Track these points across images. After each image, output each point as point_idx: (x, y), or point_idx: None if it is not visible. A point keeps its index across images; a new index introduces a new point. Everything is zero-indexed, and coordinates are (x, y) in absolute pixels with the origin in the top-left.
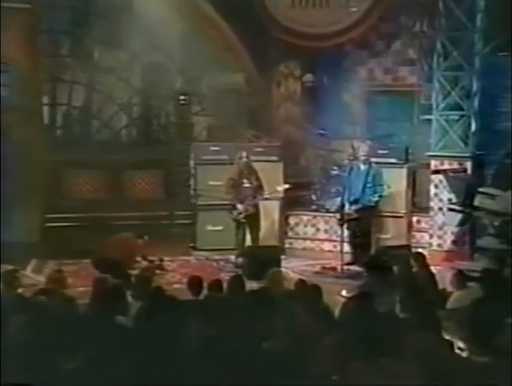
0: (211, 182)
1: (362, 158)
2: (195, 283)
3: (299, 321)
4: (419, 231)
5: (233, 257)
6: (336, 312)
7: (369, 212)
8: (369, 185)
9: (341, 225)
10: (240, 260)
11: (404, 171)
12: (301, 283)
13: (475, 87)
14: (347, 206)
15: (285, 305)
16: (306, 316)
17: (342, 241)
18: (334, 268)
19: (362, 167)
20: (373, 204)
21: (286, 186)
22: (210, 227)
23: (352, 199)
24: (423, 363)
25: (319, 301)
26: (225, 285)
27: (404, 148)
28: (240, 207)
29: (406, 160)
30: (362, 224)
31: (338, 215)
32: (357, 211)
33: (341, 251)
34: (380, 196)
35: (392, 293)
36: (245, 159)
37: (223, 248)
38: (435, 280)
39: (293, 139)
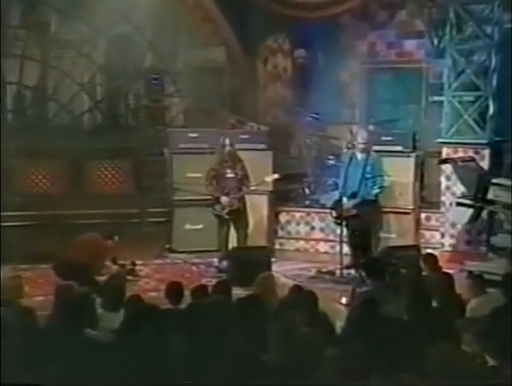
0: (189, 174)
1: (360, 145)
2: (174, 290)
3: (297, 332)
4: (429, 229)
5: (215, 260)
6: (337, 322)
7: (368, 207)
8: (367, 176)
9: (338, 223)
10: (224, 263)
11: (411, 161)
12: (296, 289)
13: (493, 63)
14: (344, 201)
15: (281, 314)
16: (305, 326)
17: (341, 241)
18: (332, 272)
19: (360, 156)
20: (372, 198)
21: (276, 176)
22: (188, 226)
23: (349, 192)
24: (443, 378)
25: (316, 310)
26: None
27: (411, 134)
28: (223, 200)
29: (413, 148)
30: (361, 221)
31: (334, 212)
32: (355, 206)
33: (340, 252)
34: (380, 188)
35: (399, 300)
36: (228, 147)
37: (204, 250)
38: (450, 285)
39: (283, 124)
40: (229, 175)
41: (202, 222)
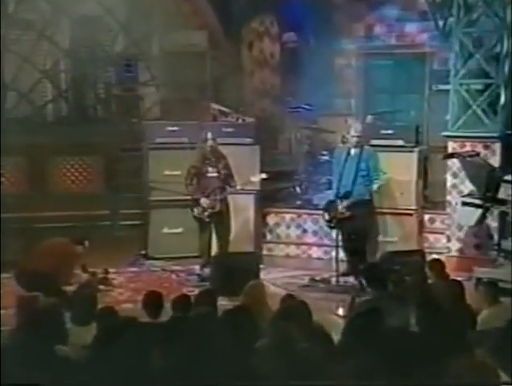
0: (167, 172)
1: (353, 139)
2: (153, 301)
3: (293, 347)
4: (433, 232)
5: (197, 268)
6: (333, 335)
7: (363, 208)
8: (362, 173)
9: (331, 227)
10: (206, 271)
11: (414, 156)
12: (288, 299)
13: (505, 47)
14: (337, 201)
15: (274, 327)
16: (300, 340)
17: (337, 246)
18: (327, 281)
19: (353, 151)
20: (368, 197)
21: (263, 175)
22: (166, 230)
23: (342, 192)
24: None
25: (310, 322)
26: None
27: (413, 127)
28: (204, 202)
29: (416, 142)
30: (356, 224)
31: (326, 214)
32: (348, 207)
33: (336, 258)
34: (376, 185)
35: (403, 311)
36: (210, 142)
37: (184, 256)
38: (460, 293)
39: (271, 116)
40: (210, 174)
41: (181, 225)
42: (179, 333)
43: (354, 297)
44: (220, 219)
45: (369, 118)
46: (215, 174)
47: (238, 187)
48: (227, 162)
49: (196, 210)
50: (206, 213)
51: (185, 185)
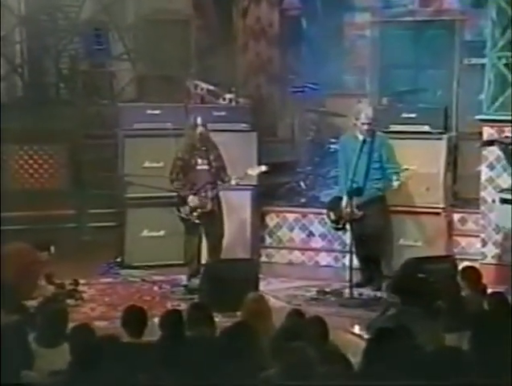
0: (146, 164)
1: (364, 126)
2: (135, 318)
3: (311, 371)
4: (465, 235)
5: (183, 277)
6: (351, 357)
7: (377, 206)
8: (375, 166)
9: (338, 228)
10: (195, 281)
11: (442, 144)
12: (295, 315)
13: None
14: (345, 198)
15: (285, 349)
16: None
17: (351, 251)
18: (338, 293)
19: (364, 140)
20: (381, 193)
21: (263, 168)
22: (146, 233)
23: (353, 188)
24: None
25: (326, 342)
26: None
27: (441, 109)
28: (192, 201)
29: (444, 128)
30: (370, 225)
31: (332, 214)
32: (360, 206)
33: (350, 266)
34: (397, 183)
35: (436, 328)
36: (200, 129)
37: (167, 264)
38: (501, 308)
39: (269, 97)
40: (200, 167)
41: (164, 227)
42: (172, 355)
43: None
44: (212, 219)
45: (387, 99)
46: (205, 167)
47: (233, 182)
48: (219, 152)
49: (182, 209)
50: (195, 213)
51: (170, 180)
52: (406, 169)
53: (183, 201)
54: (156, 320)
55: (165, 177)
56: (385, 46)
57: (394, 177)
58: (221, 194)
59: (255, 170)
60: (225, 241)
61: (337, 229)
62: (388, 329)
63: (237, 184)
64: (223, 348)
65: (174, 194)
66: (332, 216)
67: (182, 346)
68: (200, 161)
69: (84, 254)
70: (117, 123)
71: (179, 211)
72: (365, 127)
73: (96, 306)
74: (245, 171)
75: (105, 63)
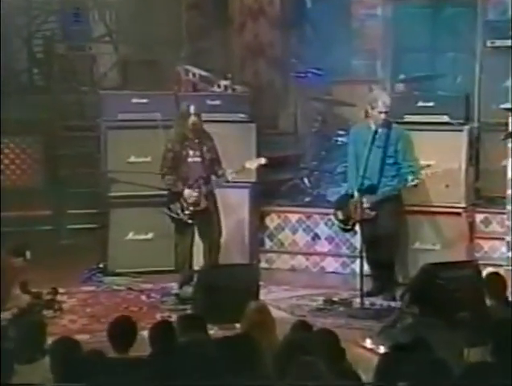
0: (132, 159)
1: (381, 116)
2: (124, 330)
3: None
4: (489, 237)
5: (174, 285)
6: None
7: (392, 206)
8: (389, 161)
9: (346, 230)
10: (187, 289)
11: (463, 136)
12: (301, 327)
13: None
14: (356, 197)
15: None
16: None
17: (361, 256)
18: (347, 302)
19: (378, 132)
20: (396, 192)
21: (262, 160)
22: (132, 236)
23: (365, 185)
24: None
25: (339, 357)
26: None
27: (462, 97)
28: (189, 195)
29: (465, 118)
30: (383, 227)
31: (340, 214)
32: (372, 206)
33: (360, 272)
34: (416, 182)
35: (456, 343)
36: (193, 118)
37: (156, 271)
38: None
39: (269, 84)
40: (191, 159)
41: (152, 229)
42: (163, 371)
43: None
44: (206, 219)
45: (401, 87)
46: (197, 159)
47: (228, 177)
48: (213, 143)
49: (173, 208)
50: (187, 212)
51: (161, 174)
52: (428, 166)
53: (175, 198)
54: (144, 333)
55: (153, 173)
56: (398, 26)
57: (411, 176)
58: (217, 192)
59: (253, 163)
60: (220, 244)
61: (345, 230)
62: (404, 342)
63: (233, 179)
64: (221, 364)
65: (163, 192)
66: (340, 215)
67: (174, 361)
68: (191, 152)
69: (63, 260)
70: (98, 113)
71: (169, 209)
72: (382, 116)
73: (76, 318)
74: (242, 164)
75: (85, 45)
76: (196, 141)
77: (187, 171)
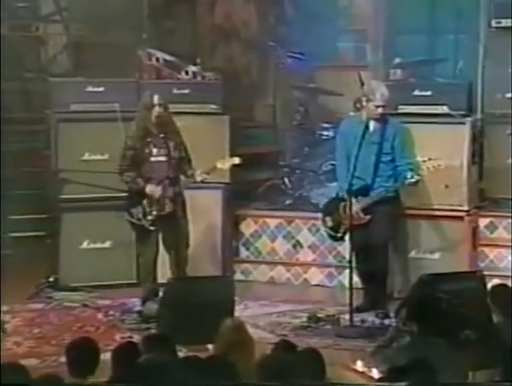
0: (86, 156)
1: (378, 109)
2: (82, 353)
3: None
4: (494, 244)
5: (136, 301)
6: None
7: (386, 210)
8: (385, 159)
9: (337, 238)
10: (151, 306)
11: (465, 130)
12: (284, 347)
13: None
14: (346, 200)
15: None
16: None
17: (351, 267)
18: (334, 320)
19: (372, 125)
20: (393, 194)
21: (236, 160)
22: (87, 245)
23: (357, 186)
24: None
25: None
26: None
27: (464, 85)
28: (153, 190)
29: (468, 109)
30: (376, 234)
31: (329, 220)
32: (366, 209)
33: (349, 285)
34: (415, 179)
35: (461, 365)
36: (157, 110)
37: (114, 284)
38: None
39: (244, 71)
40: (156, 158)
41: (110, 237)
42: None
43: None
44: (173, 225)
45: (395, 72)
46: (162, 159)
47: (198, 178)
48: (182, 140)
49: (133, 212)
50: (150, 217)
51: (119, 171)
52: (430, 159)
53: (136, 201)
54: (104, 356)
55: (111, 172)
56: (392, 4)
57: (409, 174)
58: (186, 193)
59: (226, 163)
60: (189, 254)
61: (336, 239)
62: (400, 364)
63: (204, 181)
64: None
65: (123, 194)
66: (330, 222)
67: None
68: (155, 151)
69: (6, 273)
70: (48, 103)
71: (129, 214)
72: (380, 110)
73: (22, 340)
74: (213, 164)
75: (31, 25)
76: (162, 136)
77: (151, 172)
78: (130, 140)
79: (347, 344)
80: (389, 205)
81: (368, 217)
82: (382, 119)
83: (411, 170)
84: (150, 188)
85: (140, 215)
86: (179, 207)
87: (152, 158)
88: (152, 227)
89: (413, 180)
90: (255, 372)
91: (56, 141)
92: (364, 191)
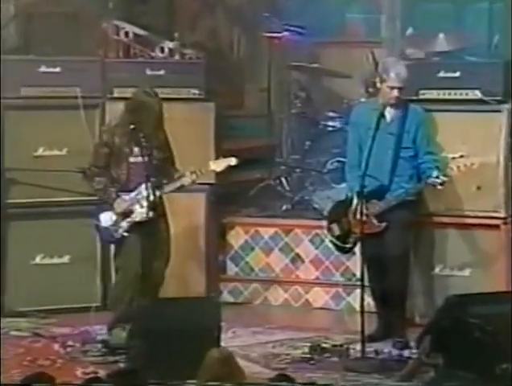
0: (41, 152)
1: (393, 93)
2: None
3: None
4: None
5: (102, 328)
6: None
7: (405, 217)
8: (404, 154)
9: (345, 250)
10: (120, 333)
11: (501, 120)
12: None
13: None
14: (356, 204)
15: None
16: None
17: (362, 286)
18: (342, 350)
19: (389, 114)
20: (413, 198)
21: (233, 161)
22: (40, 259)
23: (370, 187)
24: None
25: None
26: None
27: (500, 65)
28: (120, 204)
29: (506, 94)
30: (392, 245)
31: (336, 227)
32: (381, 216)
33: (361, 307)
34: (440, 180)
35: None
36: (142, 96)
37: (74, 308)
38: None
39: (232, 48)
40: (136, 159)
41: (70, 250)
42: None
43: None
44: (151, 235)
45: (411, 50)
46: (144, 160)
47: (187, 181)
48: (165, 135)
49: (103, 219)
50: (125, 225)
51: (86, 176)
52: (462, 157)
53: (109, 206)
54: None
55: (71, 171)
56: None
57: (435, 172)
58: (166, 198)
59: (221, 164)
60: (167, 268)
61: (344, 251)
62: None
63: (192, 183)
64: None
65: (86, 198)
66: (337, 231)
67: None
68: (136, 150)
69: None
70: None
71: (98, 223)
72: (395, 94)
73: None
74: (206, 167)
75: None
76: (137, 129)
77: (128, 174)
78: (107, 134)
79: (358, 380)
80: (409, 210)
81: (383, 225)
82: (401, 105)
83: (437, 168)
84: (119, 203)
85: (112, 223)
86: (161, 214)
87: (132, 159)
88: (126, 234)
89: (439, 181)
90: None
91: (3, 133)
92: (379, 194)
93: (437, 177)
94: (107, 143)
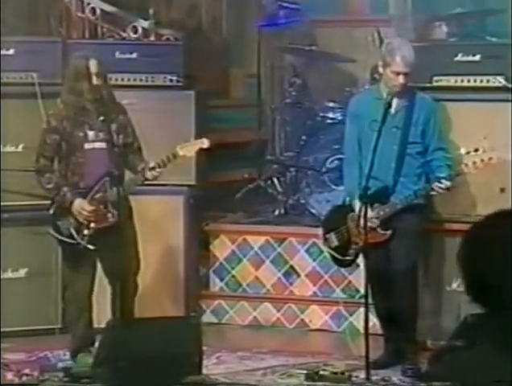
0: None
1: (399, 80)
2: None
3: None
4: None
5: (63, 354)
6: None
7: (414, 223)
8: (411, 150)
9: (343, 264)
10: (84, 359)
11: None
12: None
13: None
14: (358, 208)
15: None
16: None
17: (366, 304)
18: (344, 378)
19: (395, 104)
20: (422, 201)
21: (205, 143)
22: None
23: (373, 189)
24: None
25: None
26: None
27: None
28: (81, 205)
29: None
30: (400, 256)
31: (333, 237)
32: (386, 222)
33: (365, 329)
34: (450, 182)
35: None
36: (96, 80)
37: (30, 330)
38: None
39: (215, 27)
40: (92, 145)
41: (26, 263)
42: None
43: None
44: (117, 243)
45: (429, 29)
46: (101, 145)
47: (154, 173)
48: (127, 119)
49: (61, 226)
50: (86, 232)
51: (36, 170)
52: (476, 151)
53: (64, 211)
54: None
55: (27, 171)
56: None
57: (446, 171)
58: (133, 200)
59: (191, 148)
60: (140, 286)
61: (343, 264)
62: None
63: (157, 176)
64: None
65: (43, 199)
66: (335, 240)
67: None
68: (91, 134)
69: None
70: None
71: (56, 229)
72: (401, 80)
73: None
74: (173, 151)
75: None
76: (99, 115)
77: (84, 164)
78: (55, 119)
79: None
80: (418, 216)
81: (389, 233)
82: (408, 94)
83: (449, 166)
84: (78, 204)
85: (72, 230)
86: (126, 217)
87: (87, 145)
88: (91, 246)
89: (449, 183)
90: None
91: None
92: (383, 197)
93: (449, 177)
94: (56, 129)
